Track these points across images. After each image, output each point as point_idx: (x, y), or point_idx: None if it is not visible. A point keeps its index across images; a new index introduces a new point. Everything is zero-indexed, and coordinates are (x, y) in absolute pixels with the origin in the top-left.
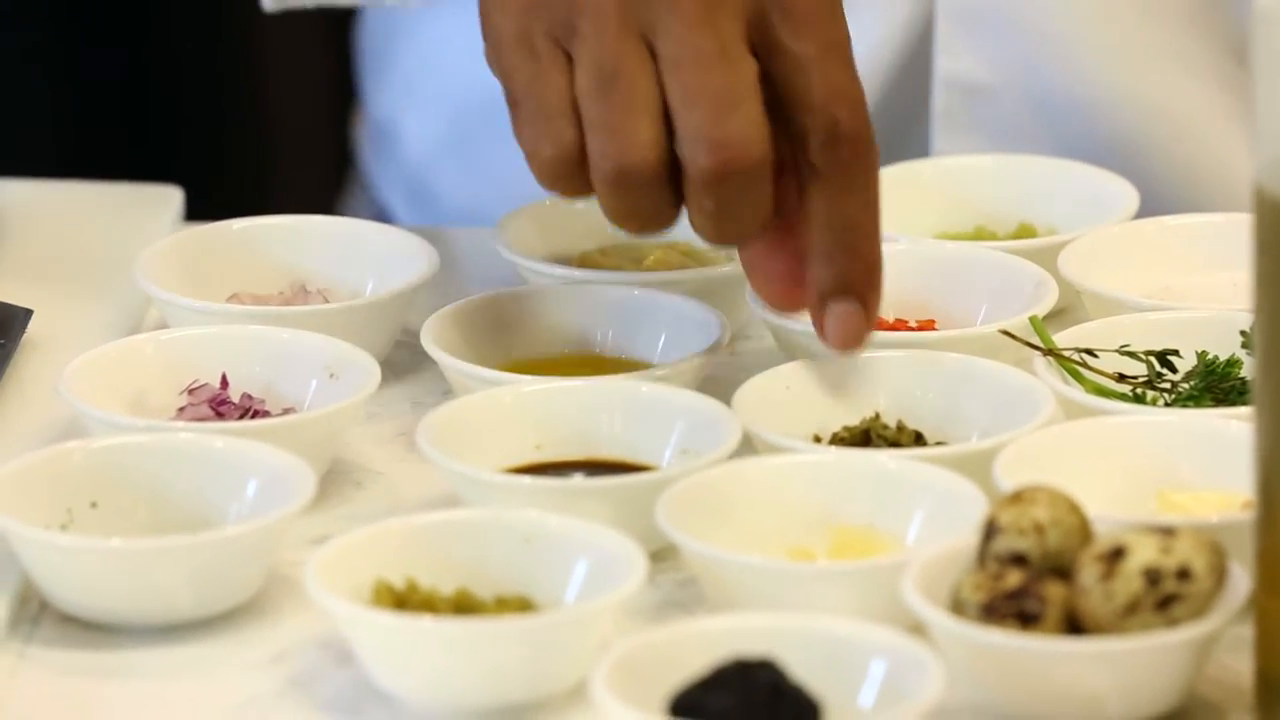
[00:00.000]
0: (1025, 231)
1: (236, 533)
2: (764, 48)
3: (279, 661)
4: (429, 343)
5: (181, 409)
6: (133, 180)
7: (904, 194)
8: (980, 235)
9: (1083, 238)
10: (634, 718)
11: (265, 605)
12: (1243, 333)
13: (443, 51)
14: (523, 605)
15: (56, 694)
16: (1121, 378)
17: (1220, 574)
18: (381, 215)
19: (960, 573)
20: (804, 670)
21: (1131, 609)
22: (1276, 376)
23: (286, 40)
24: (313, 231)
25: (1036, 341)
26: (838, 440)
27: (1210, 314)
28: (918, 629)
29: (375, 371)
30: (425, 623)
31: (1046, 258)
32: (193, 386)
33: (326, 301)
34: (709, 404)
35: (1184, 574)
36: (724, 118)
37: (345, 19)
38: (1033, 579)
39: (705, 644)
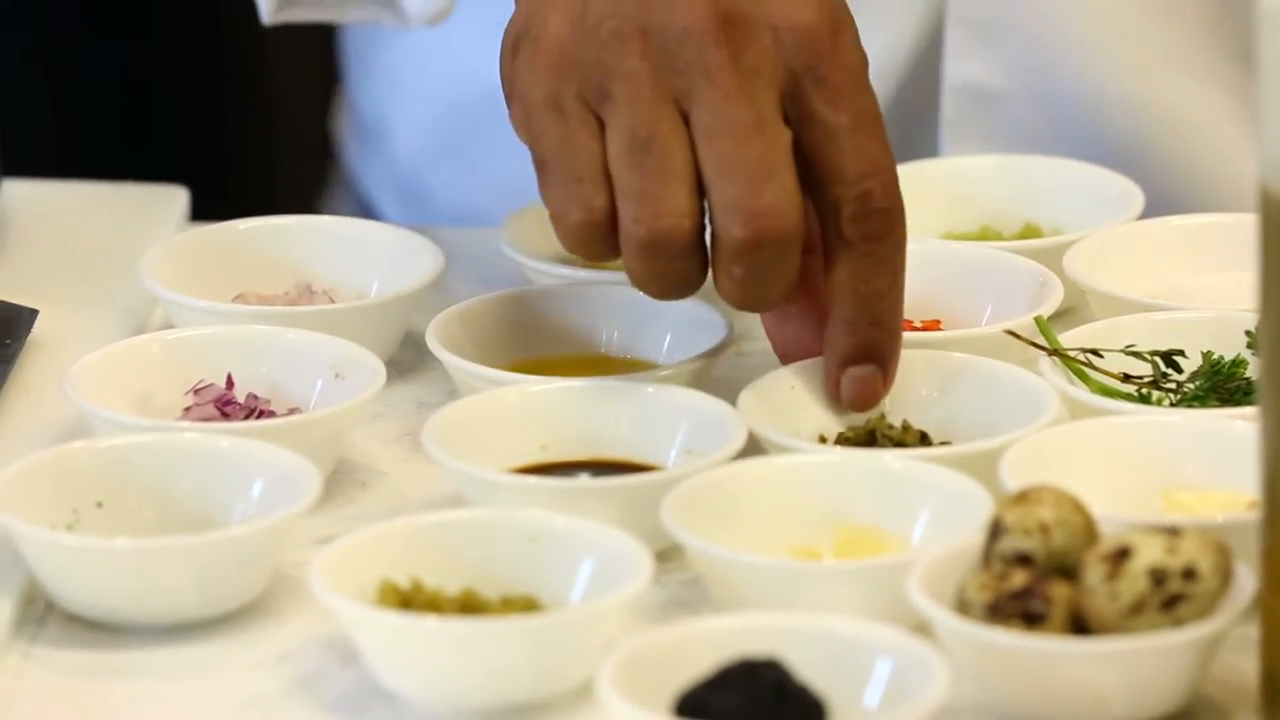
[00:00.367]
0: (1030, 231)
1: (242, 533)
2: (797, 117)
3: (284, 661)
4: (434, 343)
5: (187, 409)
6: (137, 180)
7: (909, 194)
8: (985, 235)
9: (1088, 238)
10: (639, 717)
11: (270, 605)
12: (1248, 333)
13: (431, 50)
14: (528, 605)
15: (62, 694)
16: (1127, 378)
17: (1226, 574)
18: (367, 213)
19: (965, 572)
20: (809, 670)
21: (1137, 609)
22: None
23: (290, 40)
24: (318, 232)
25: (1042, 341)
26: (843, 440)
27: (1215, 314)
28: (923, 629)
29: (381, 371)
30: (430, 622)
31: (1052, 258)
32: (198, 386)
33: (332, 302)
34: (714, 404)
35: (1189, 574)
36: (759, 188)
37: None
38: (1038, 579)
39: (711, 644)
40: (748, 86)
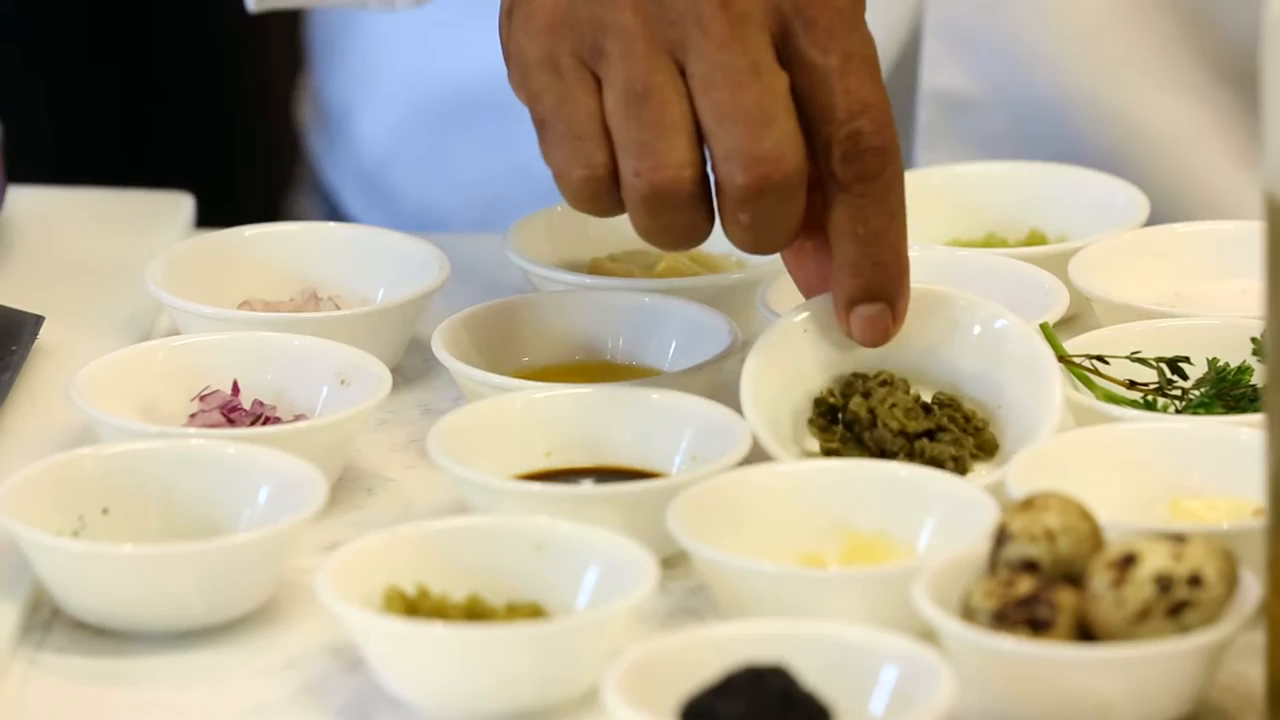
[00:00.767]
0: (1036, 239)
1: (248, 539)
2: (787, 60)
3: (290, 668)
4: (440, 349)
5: (193, 415)
6: (140, 187)
7: (915, 201)
8: (991, 242)
9: (1093, 245)
10: None
11: (276, 612)
12: (1254, 340)
13: (397, 43)
14: (534, 612)
15: (68, 701)
16: (1132, 385)
17: (1232, 581)
18: (334, 213)
19: (971, 579)
20: (815, 676)
21: (1143, 616)
22: None
23: (293, 42)
24: (324, 238)
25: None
26: (821, 403)
27: (1221, 321)
28: (929, 635)
29: (386, 378)
30: (436, 629)
31: (1057, 265)
32: (204, 393)
33: (338, 308)
34: (719, 411)
35: (1195, 581)
36: (759, 134)
37: None
38: (1044, 586)
39: (717, 650)
40: (740, 33)
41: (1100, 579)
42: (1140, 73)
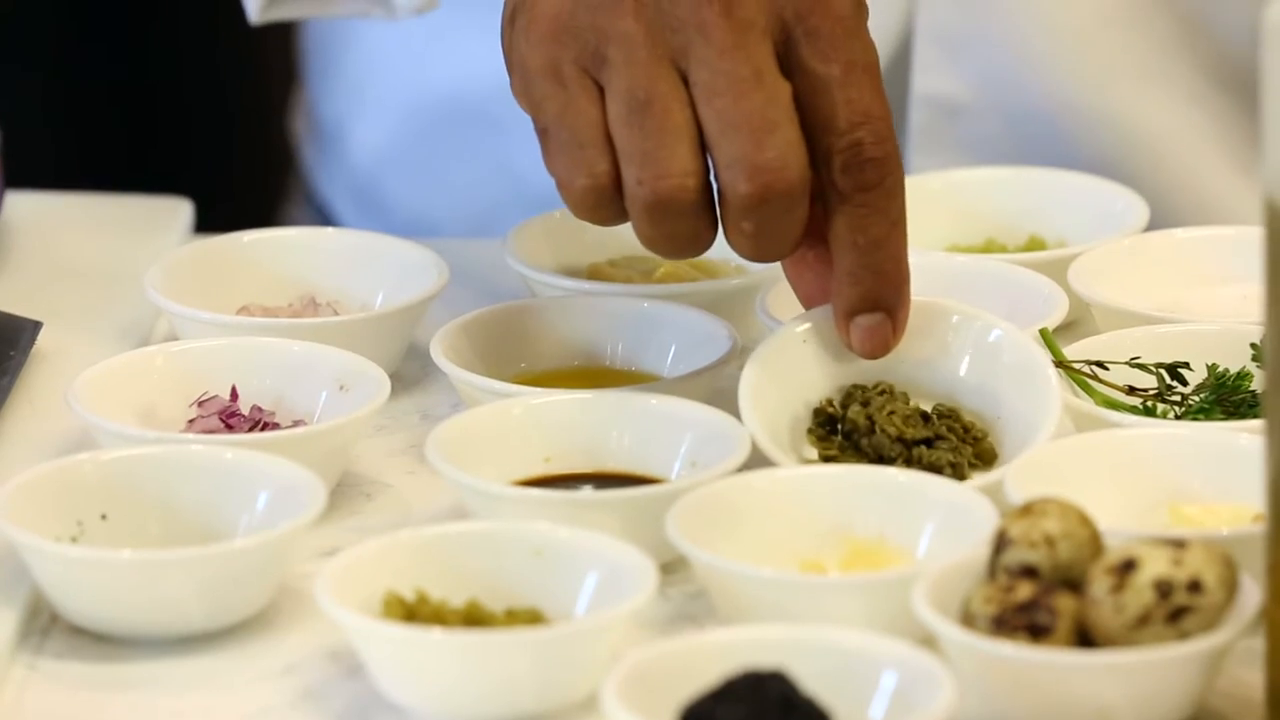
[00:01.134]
0: (1035, 244)
1: (247, 545)
2: (789, 69)
3: (289, 673)
4: (439, 355)
5: (191, 421)
6: (139, 193)
7: (914, 207)
8: (990, 248)
9: (1093, 250)
10: None
11: (275, 617)
12: (1253, 345)
13: (390, 55)
14: (533, 617)
15: (66, 706)
16: (1131, 390)
17: (1231, 586)
18: (328, 224)
19: (971, 585)
20: (815, 682)
21: (1142, 621)
22: None
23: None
24: (322, 244)
25: (1046, 354)
26: (820, 413)
27: (1220, 327)
28: (929, 641)
29: (385, 384)
30: (435, 635)
31: (1056, 270)
32: (203, 399)
33: (336, 314)
34: (718, 416)
35: (1195, 586)
36: (762, 142)
37: None
38: (1043, 591)
39: (716, 656)
40: (743, 41)
41: (1100, 585)
42: (1135, 78)
